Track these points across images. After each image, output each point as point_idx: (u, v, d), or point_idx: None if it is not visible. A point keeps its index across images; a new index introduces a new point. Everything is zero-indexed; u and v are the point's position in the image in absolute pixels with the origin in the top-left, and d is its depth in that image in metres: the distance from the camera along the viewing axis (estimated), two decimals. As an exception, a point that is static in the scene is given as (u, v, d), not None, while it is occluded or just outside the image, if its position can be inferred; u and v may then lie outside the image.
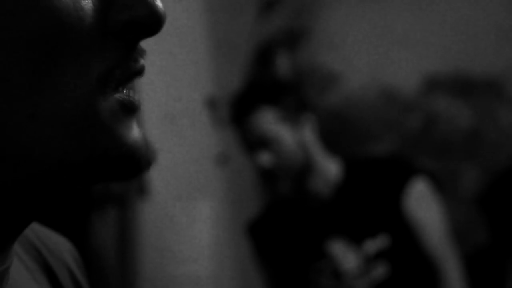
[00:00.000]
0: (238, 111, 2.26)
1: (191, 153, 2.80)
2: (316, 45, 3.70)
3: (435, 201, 2.28)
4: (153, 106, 2.62)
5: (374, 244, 2.22)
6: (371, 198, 2.26)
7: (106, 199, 2.54)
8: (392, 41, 3.73)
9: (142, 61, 0.59)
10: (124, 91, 0.57)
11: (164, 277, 2.61)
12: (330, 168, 2.31)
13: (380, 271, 2.22)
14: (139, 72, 0.59)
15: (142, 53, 0.59)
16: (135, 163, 0.57)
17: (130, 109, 0.57)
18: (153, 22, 0.58)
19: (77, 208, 2.48)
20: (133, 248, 2.58)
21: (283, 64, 3.48)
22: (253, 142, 2.23)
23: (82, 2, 0.56)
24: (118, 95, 0.57)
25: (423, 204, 2.25)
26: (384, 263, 2.21)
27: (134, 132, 0.57)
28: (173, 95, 2.78)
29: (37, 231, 0.73)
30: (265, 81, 2.30)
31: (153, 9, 0.57)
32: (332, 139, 2.38)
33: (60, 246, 0.74)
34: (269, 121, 2.21)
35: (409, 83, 3.75)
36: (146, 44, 0.61)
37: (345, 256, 2.24)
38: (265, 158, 2.22)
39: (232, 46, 3.27)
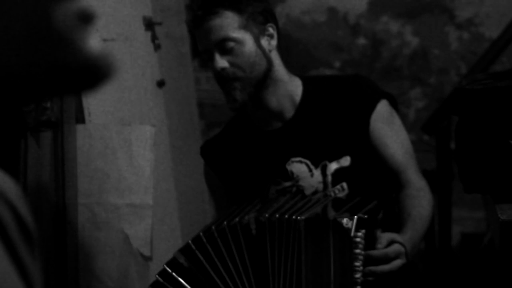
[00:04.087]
0: (200, 14, 2.21)
1: (130, 78, 2.73)
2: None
3: (399, 121, 2.31)
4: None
5: (336, 165, 2.23)
6: (335, 118, 2.26)
7: (41, 124, 2.46)
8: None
9: None
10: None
11: (103, 205, 2.57)
12: (293, 85, 2.30)
13: (341, 191, 2.23)
14: None
15: None
16: (94, 74, 0.57)
17: (88, 18, 0.57)
18: None
19: (11, 134, 2.41)
20: (70, 176, 2.52)
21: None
22: (213, 45, 2.19)
23: None
24: (75, 5, 0.56)
25: (388, 123, 2.27)
26: (345, 183, 2.23)
27: (93, 43, 0.57)
28: (111, 18, 2.70)
29: None
30: None
31: None
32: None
33: (2, 183, 0.71)
34: (232, 26, 2.19)
35: (357, 6, 3.69)
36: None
37: (307, 176, 2.24)
38: (224, 62, 2.19)
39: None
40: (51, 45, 0.55)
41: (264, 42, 2.24)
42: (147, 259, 2.58)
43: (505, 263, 1.79)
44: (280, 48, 2.29)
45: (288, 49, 3.59)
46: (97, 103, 2.61)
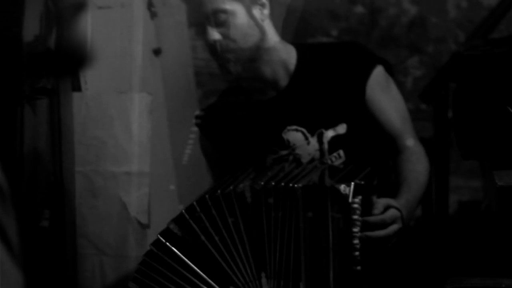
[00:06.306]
0: None
1: (126, 46, 2.72)
2: None
3: (395, 87, 2.31)
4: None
5: (332, 132, 2.23)
6: (330, 85, 2.25)
7: (37, 92, 2.46)
8: None
9: None
10: None
11: (100, 173, 2.57)
12: (287, 54, 2.29)
13: (338, 158, 2.23)
14: None
15: None
16: (77, 58, 0.61)
17: (80, 6, 0.61)
18: None
19: (7, 102, 2.40)
20: (66, 144, 2.52)
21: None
22: (205, 18, 2.19)
23: None
24: None
25: (384, 89, 2.27)
26: (342, 150, 2.23)
27: (86, 30, 0.61)
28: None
29: None
30: None
31: None
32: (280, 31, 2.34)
33: None
34: None
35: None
36: None
37: (304, 144, 2.24)
38: (216, 34, 2.18)
39: None
40: (58, 24, 0.58)
41: (256, 12, 2.23)
42: (145, 226, 2.58)
43: (502, 228, 1.80)
44: (273, 16, 2.27)
45: (285, 18, 3.57)
46: (93, 71, 2.60)
